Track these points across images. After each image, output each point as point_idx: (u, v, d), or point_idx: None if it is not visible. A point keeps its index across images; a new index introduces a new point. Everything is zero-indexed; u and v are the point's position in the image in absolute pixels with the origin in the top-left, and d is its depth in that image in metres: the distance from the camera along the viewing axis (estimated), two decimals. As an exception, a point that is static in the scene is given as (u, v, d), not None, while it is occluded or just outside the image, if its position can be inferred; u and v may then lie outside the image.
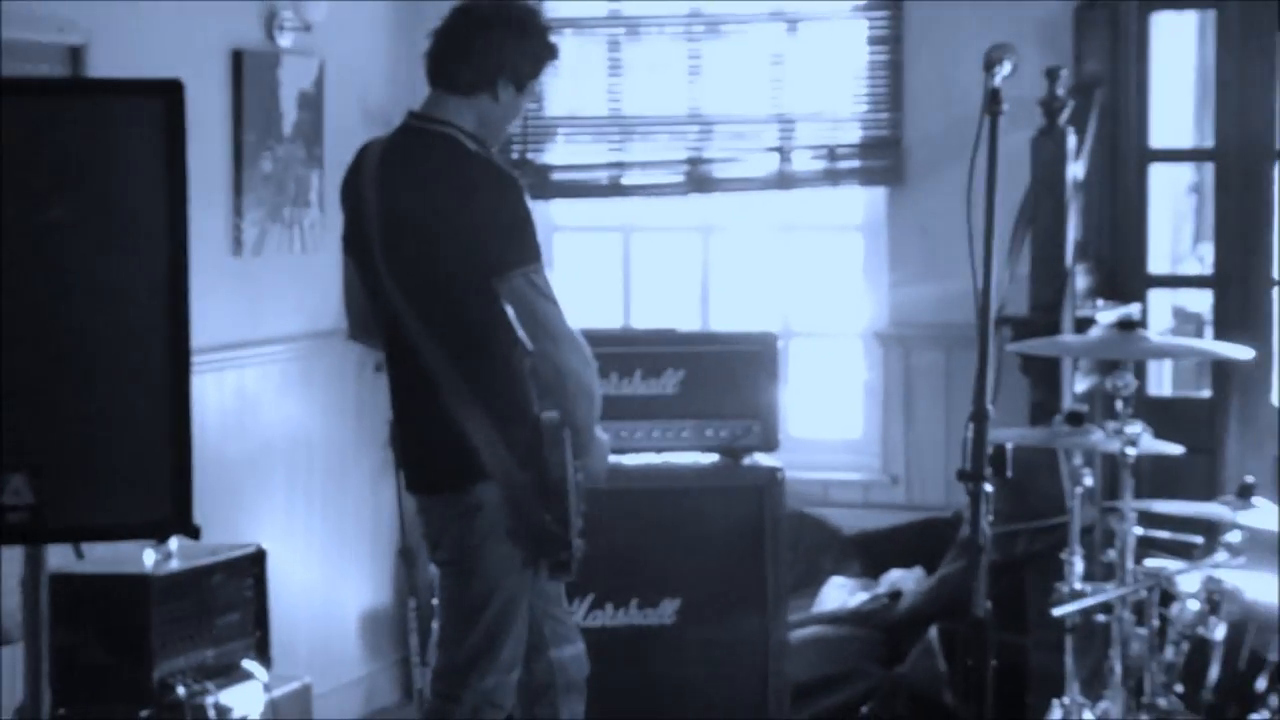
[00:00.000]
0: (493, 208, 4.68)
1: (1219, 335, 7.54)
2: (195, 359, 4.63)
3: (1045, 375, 6.40)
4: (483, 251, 4.67)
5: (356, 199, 4.86)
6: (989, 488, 3.58)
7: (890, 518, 7.60)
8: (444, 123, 4.80)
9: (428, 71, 4.89)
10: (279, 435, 7.06)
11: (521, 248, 4.68)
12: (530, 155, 7.85)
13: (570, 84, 7.92)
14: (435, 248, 4.72)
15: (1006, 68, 3.88)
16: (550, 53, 4.92)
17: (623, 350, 6.09)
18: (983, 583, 3.47)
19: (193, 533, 4.53)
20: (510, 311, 4.73)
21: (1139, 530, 5.42)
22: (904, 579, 7.26)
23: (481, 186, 4.70)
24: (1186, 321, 9.04)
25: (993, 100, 3.79)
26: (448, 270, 4.72)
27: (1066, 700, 5.54)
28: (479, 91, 4.81)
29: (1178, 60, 9.07)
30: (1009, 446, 3.59)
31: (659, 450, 6.11)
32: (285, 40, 7.01)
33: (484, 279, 4.68)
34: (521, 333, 4.76)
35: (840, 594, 7.24)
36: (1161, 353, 6.44)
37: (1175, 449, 5.65)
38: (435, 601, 5.11)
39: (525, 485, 4.75)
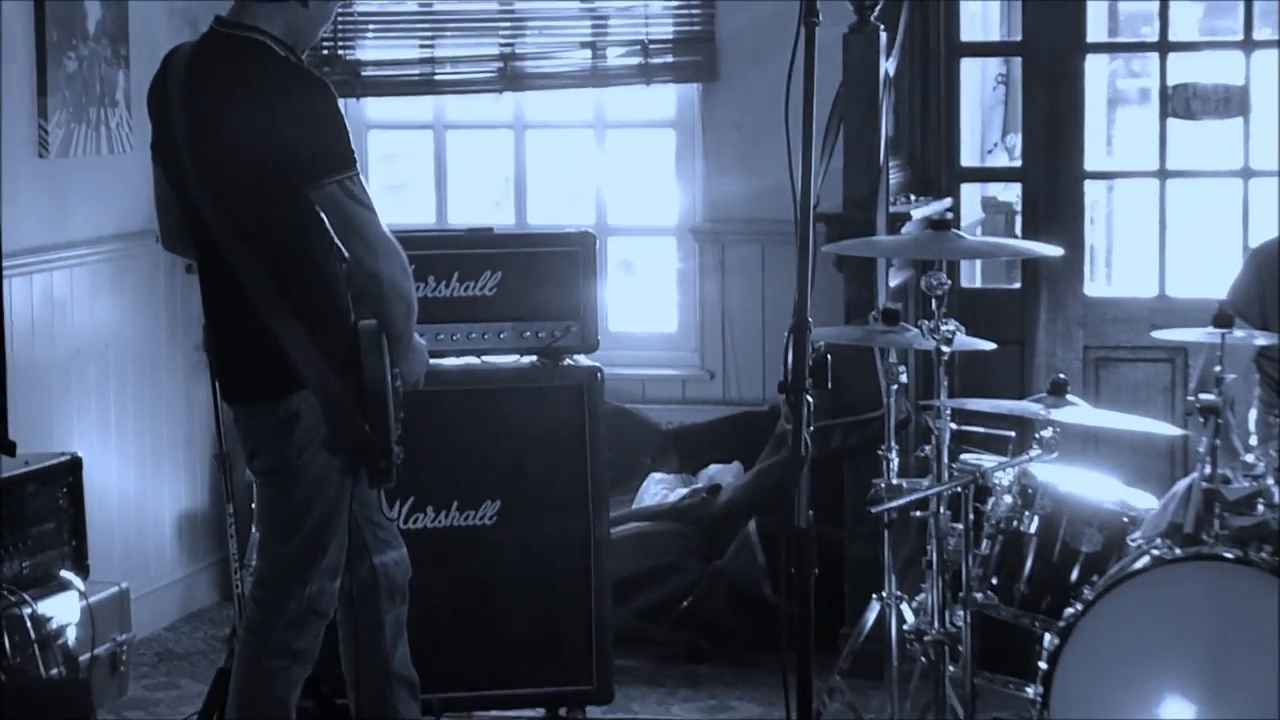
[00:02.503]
0: (304, 115, 4.61)
1: (1028, 227, 7.66)
2: (3, 264, 4.57)
3: (859, 272, 6.45)
4: (295, 160, 4.60)
5: (163, 107, 4.77)
6: (810, 399, 3.60)
7: (708, 413, 7.65)
8: (252, 29, 4.71)
9: (235, -24, 4.80)
10: (90, 339, 6.96)
11: (335, 155, 4.61)
12: (341, 52, 7.75)
13: (380, -21, 7.84)
14: (246, 157, 4.64)
15: (823, -23, 3.88)
16: (361, -44, 4.86)
17: (440, 253, 6.04)
18: (805, 493, 3.50)
19: (8, 449, 4.48)
20: (325, 218, 4.68)
21: (954, 426, 5.48)
22: (722, 473, 7.33)
23: (292, 94, 4.63)
24: (997, 211, 9.18)
25: (809, 10, 3.79)
26: (259, 179, 4.65)
27: (884, 594, 5.61)
28: (287, -2, 4.73)
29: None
30: (829, 358, 3.62)
31: (478, 353, 6.08)
32: (88, -63, 6.87)
33: (297, 187, 4.61)
34: (337, 240, 4.72)
35: (659, 490, 7.29)
36: (974, 253, 6.51)
37: (988, 346, 5.72)
38: (254, 507, 5.08)
39: (343, 393, 4.71)
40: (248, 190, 4.67)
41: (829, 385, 3.64)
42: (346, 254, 4.72)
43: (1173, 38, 7.60)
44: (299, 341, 4.68)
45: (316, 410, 4.73)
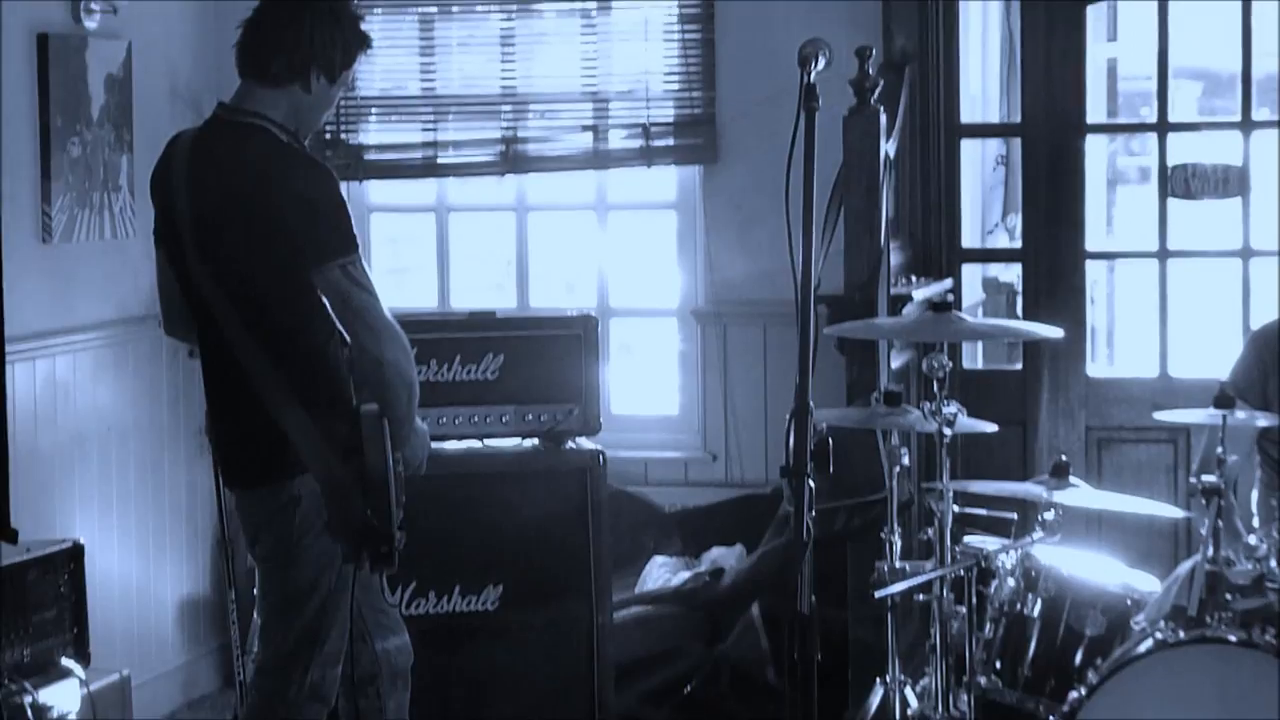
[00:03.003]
0: (307, 200, 4.63)
1: (1029, 308, 7.66)
2: (5, 349, 4.56)
3: (861, 354, 6.44)
4: (298, 244, 4.62)
5: (166, 192, 4.79)
6: (812, 483, 3.59)
7: (711, 495, 7.63)
8: (255, 114, 4.74)
9: (238, 63, 4.82)
10: (92, 424, 6.95)
11: (337, 240, 4.63)
12: (344, 135, 7.77)
13: (383, 63, 7.84)
14: (249, 241, 4.66)
15: (821, 63, 3.89)
16: (362, 42, 4.87)
17: (442, 336, 6.05)
18: (808, 578, 3.49)
19: (9, 536, 4.47)
20: (327, 303, 4.69)
21: (956, 508, 5.48)
22: (725, 556, 7.30)
23: (294, 178, 4.65)
24: (998, 292, 9.19)
25: (808, 96, 3.79)
26: (262, 263, 4.67)
27: (888, 678, 5.59)
28: (290, 82, 4.75)
29: (987, 34, 9.19)
30: (831, 442, 3.61)
31: (480, 436, 6.09)
32: (91, 23, 6.89)
33: (299, 272, 4.63)
34: (339, 324, 4.73)
35: (662, 573, 7.26)
36: (975, 335, 6.51)
37: (990, 428, 5.72)
38: (256, 593, 5.07)
39: (344, 478, 4.70)
40: (250, 274, 4.69)
41: (830, 469, 3.63)
42: (348, 338, 4.73)
43: (1172, 118, 7.63)
44: (300, 425, 4.68)
45: (318, 495, 4.74)
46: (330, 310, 4.70)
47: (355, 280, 4.64)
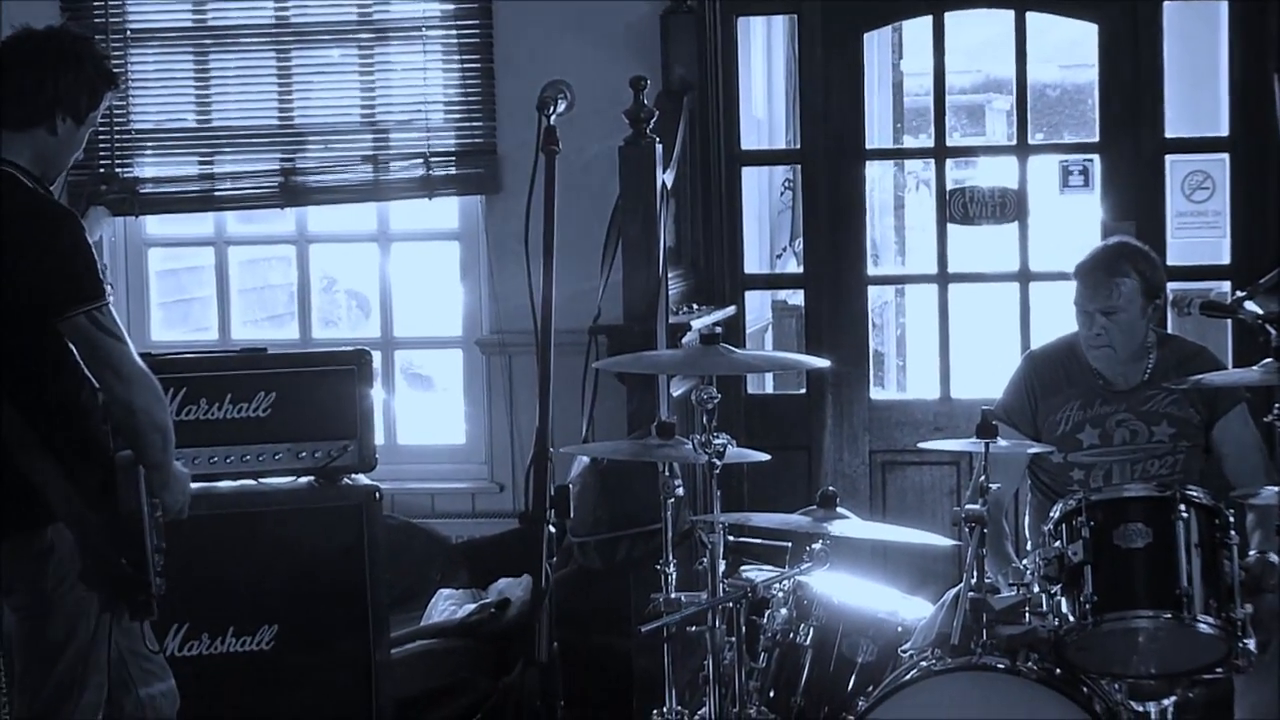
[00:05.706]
0: (50, 246, 4.56)
1: (812, 333, 7.68)
2: None
3: (641, 385, 6.45)
4: (43, 291, 4.55)
5: (-93, 242, 4.69)
6: (552, 529, 3.58)
7: (498, 525, 7.59)
8: (-1, 160, 4.66)
9: (-22, 108, 4.74)
10: None
11: (83, 286, 4.57)
12: (118, 170, 7.63)
13: (158, 96, 7.72)
14: (-8, 290, 4.58)
15: (561, 106, 3.89)
16: (108, 82, 4.80)
17: (211, 374, 5.98)
18: (547, 627, 3.48)
19: None
20: (75, 351, 4.61)
21: (730, 538, 5.47)
22: (512, 587, 7.26)
23: (38, 225, 4.58)
24: (787, 315, 9.23)
25: (548, 139, 3.80)
26: (5, 312, 4.58)
27: (665, 709, 5.57)
28: (34, 126, 4.68)
29: (772, 60, 9.25)
30: (572, 489, 3.61)
31: (253, 475, 6.03)
32: None
33: (45, 319, 4.56)
34: (88, 372, 4.65)
35: (448, 605, 7.21)
36: (742, 367, 6.48)
37: (763, 457, 5.72)
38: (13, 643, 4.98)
39: (97, 526, 4.64)
40: (-4, 323, 4.60)
41: (571, 515, 3.62)
42: (99, 385, 4.65)
43: (989, 133, 7.69)
44: (50, 474, 4.61)
45: (72, 543, 4.66)
46: (79, 358, 4.62)
47: (103, 327, 4.57)
